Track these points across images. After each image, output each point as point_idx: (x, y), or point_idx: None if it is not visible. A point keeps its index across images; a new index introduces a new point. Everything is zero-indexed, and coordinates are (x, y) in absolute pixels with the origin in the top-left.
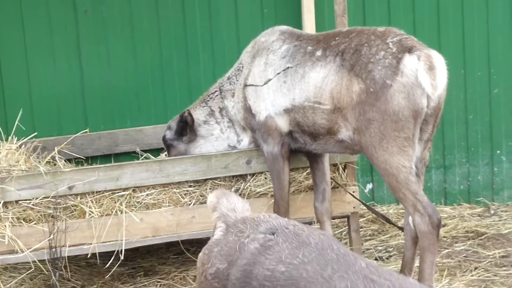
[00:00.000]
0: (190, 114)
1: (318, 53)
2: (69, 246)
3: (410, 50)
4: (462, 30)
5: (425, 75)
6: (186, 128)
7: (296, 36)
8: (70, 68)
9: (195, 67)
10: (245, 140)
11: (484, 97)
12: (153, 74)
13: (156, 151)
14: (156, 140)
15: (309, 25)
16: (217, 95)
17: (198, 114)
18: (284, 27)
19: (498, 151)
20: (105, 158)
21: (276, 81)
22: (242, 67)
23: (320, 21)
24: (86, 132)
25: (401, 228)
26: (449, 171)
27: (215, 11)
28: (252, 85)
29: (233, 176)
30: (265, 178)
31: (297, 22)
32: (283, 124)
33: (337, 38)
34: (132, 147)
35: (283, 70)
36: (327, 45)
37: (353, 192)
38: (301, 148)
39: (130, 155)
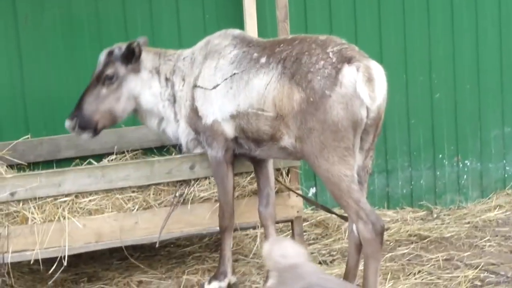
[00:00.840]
0: (139, 48)
1: (263, 60)
2: (12, 252)
3: (349, 60)
4: (403, 36)
5: (363, 86)
6: (132, 58)
7: (246, 42)
8: (10, 73)
9: None
10: (182, 124)
11: (425, 102)
12: None
13: (98, 157)
14: (98, 146)
15: (251, 31)
16: (170, 64)
17: (148, 59)
18: (237, 32)
19: (440, 155)
20: (47, 164)
21: (223, 86)
22: (195, 60)
23: (262, 27)
24: (27, 138)
25: (345, 218)
26: (392, 175)
27: (157, 17)
28: (202, 87)
29: (176, 181)
30: (209, 183)
31: (239, 27)
32: (229, 129)
33: (281, 45)
34: (74, 153)
35: (230, 76)
36: (271, 52)
37: (297, 196)
38: (246, 153)
39: (73, 161)
